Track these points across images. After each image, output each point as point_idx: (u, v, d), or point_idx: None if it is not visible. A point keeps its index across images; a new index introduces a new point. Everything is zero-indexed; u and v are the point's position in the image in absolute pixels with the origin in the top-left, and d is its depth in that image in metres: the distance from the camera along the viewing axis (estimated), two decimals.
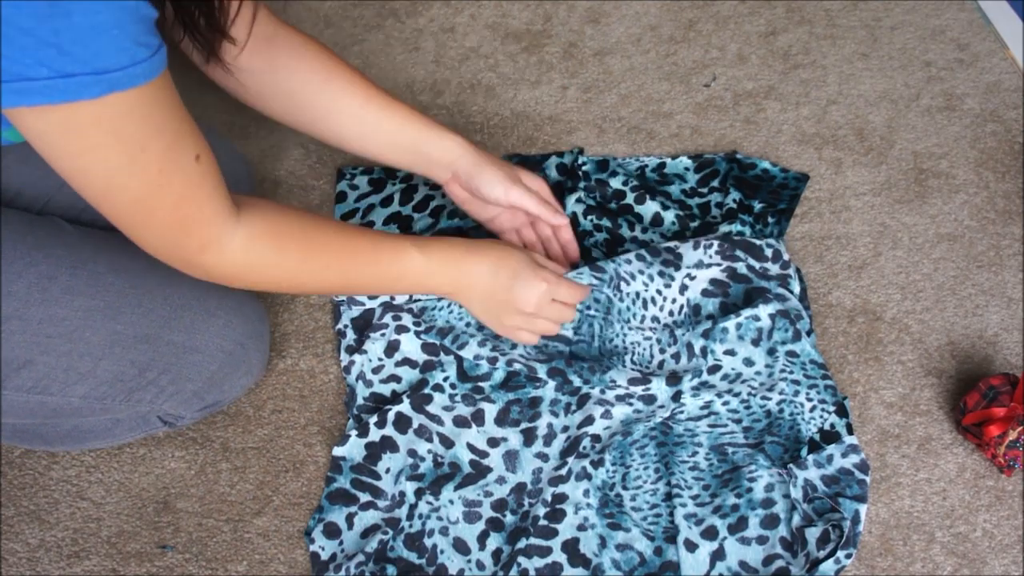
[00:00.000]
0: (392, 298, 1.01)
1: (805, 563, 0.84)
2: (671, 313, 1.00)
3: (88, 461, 0.95)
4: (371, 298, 1.01)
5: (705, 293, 1.00)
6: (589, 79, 1.28)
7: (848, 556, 0.84)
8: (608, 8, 1.36)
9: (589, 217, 1.09)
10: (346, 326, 1.02)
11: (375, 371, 0.98)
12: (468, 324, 0.99)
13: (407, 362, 0.99)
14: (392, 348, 0.99)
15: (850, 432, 0.93)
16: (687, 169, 1.16)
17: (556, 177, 1.13)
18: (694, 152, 1.19)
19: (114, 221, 0.71)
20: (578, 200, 1.10)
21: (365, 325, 1.01)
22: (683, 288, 1.00)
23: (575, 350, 0.98)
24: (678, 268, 1.01)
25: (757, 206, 1.11)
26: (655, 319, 1.00)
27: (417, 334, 0.99)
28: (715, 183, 1.14)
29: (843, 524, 0.84)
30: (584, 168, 1.14)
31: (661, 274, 1.01)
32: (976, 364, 1.01)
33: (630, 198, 1.11)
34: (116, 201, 0.68)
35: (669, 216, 1.09)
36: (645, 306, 1.00)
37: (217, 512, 0.92)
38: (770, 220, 1.10)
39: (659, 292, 1.00)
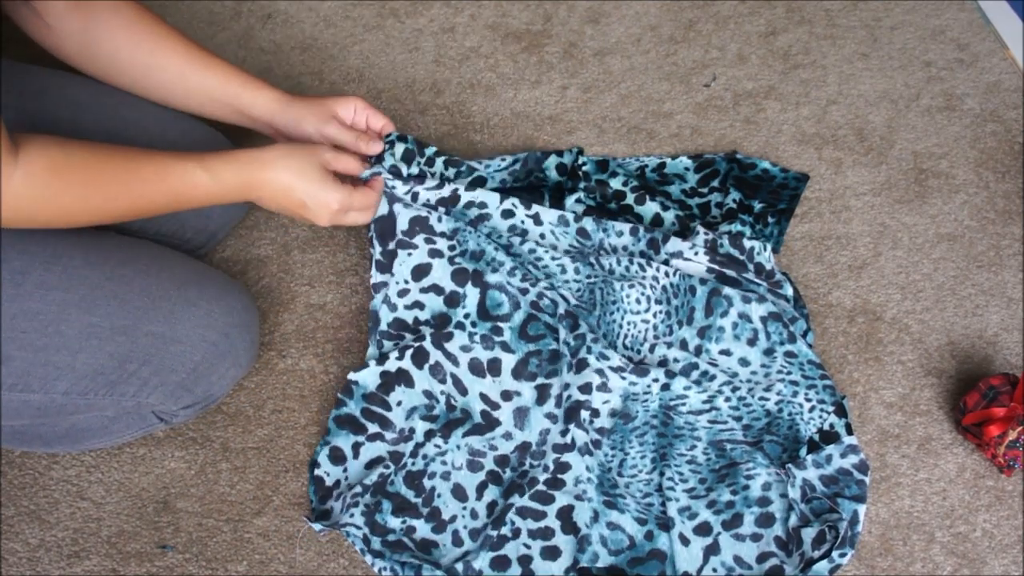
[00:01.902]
0: (424, 213, 0.99)
1: (800, 562, 0.84)
2: (667, 274, 1.00)
3: (88, 461, 0.95)
4: (391, 203, 1.00)
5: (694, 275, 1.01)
6: (589, 79, 1.28)
7: (843, 555, 0.84)
8: (608, 8, 1.36)
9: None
10: (371, 235, 1.00)
11: (400, 294, 0.99)
12: (497, 248, 1.00)
13: (434, 288, 0.99)
14: (421, 271, 0.99)
15: (849, 432, 0.93)
16: (687, 169, 1.16)
17: (556, 177, 1.13)
18: (694, 152, 1.19)
19: None
20: (578, 200, 1.10)
21: (387, 232, 1.00)
22: (668, 265, 1.02)
23: (575, 310, 0.98)
24: (659, 253, 1.03)
25: (757, 206, 1.11)
26: (655, 278, 1.00)
27: (451, 259, 0.99)
28: (715, 183, 1.14)
29: (839, 525, 0.84)
30: (584, 168, 1.14)
31: (643, 254, 1.03)
32: (976, 364, 1.01)
33: (630, 199, 1.11)
34: None
35: (669, 216, 1.09)
36: (643, 268, 1.01)
37: (217, 512, 0.92)
38: (770, 220, 1.10)
39: (651, 263, 1.01)
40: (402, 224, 0.99)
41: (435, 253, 1.00)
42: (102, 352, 0.83)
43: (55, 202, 0.75)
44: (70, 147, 0.77)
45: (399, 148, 0.98)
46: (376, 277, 1.00)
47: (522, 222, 1.04)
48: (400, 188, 0.97)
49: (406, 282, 1.00)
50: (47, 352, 0.80)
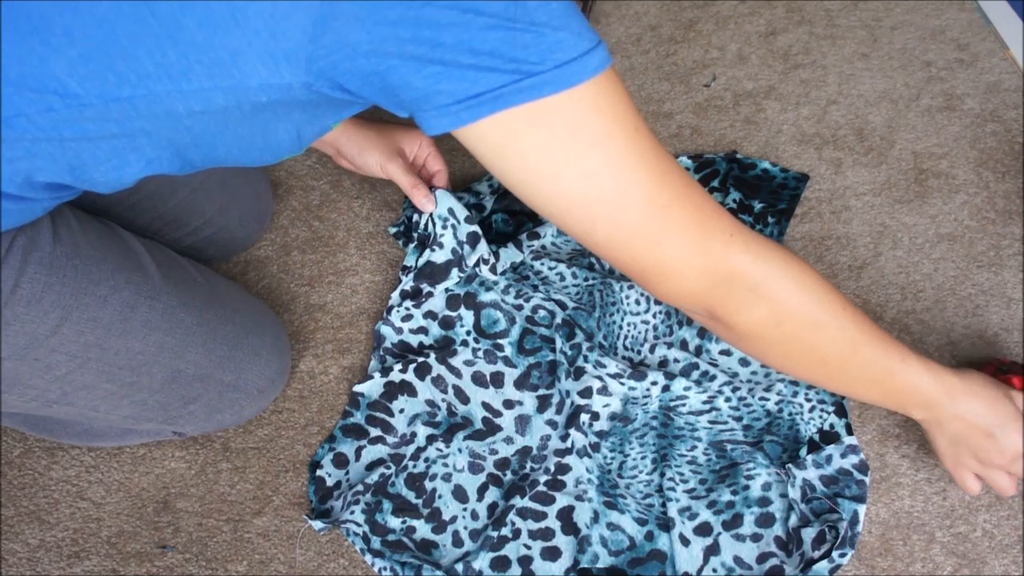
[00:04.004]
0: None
1: (800, 563, 0.84)
2: None
3: (88, 461, 0.95)
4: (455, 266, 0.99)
5: None
6: None
7: (843, 555, 0.84)
8: (608, 8, 1.36)
9: None
10: (411, 268, 1.01)
11: (405, 319, 1.00)
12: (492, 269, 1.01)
13: (430, 315, 1.00)
14: (421, 295, 1.00)
15: (849, 432, 0.93)
16: (687, 169, 1.16)
17: None
18: (694, 152, 1.19)
19: (630, 241, 0.63)
20: None
21: (429, 277, 1.00)
22: None
23: (573, 315, 0.98)
24: None
25: (757, 206, 1.11)
26: None
27: (446, 287, 1.00)
28: (715, 183, 1.14)
29: (839, 525, 0.84)
30: None
31: None
32: (976, 364, 1.01)
33: None
34: (631, 204, 0.60)
35: None
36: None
37: (217, 512, 0.92)
38: (770, 220, 1.10)
39: None
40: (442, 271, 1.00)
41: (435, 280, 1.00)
42: (176, 394, 0.84)
43: (787, 290, 0.69)
44: (805, 281, 0.71)
45: (443, 204, 0.97)
46: (395, 301, 1.01)
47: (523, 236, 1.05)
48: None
49: (408, 309, 1.00)
50: (132, 388, 0.80)
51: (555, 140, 0.57)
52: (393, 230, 1.10)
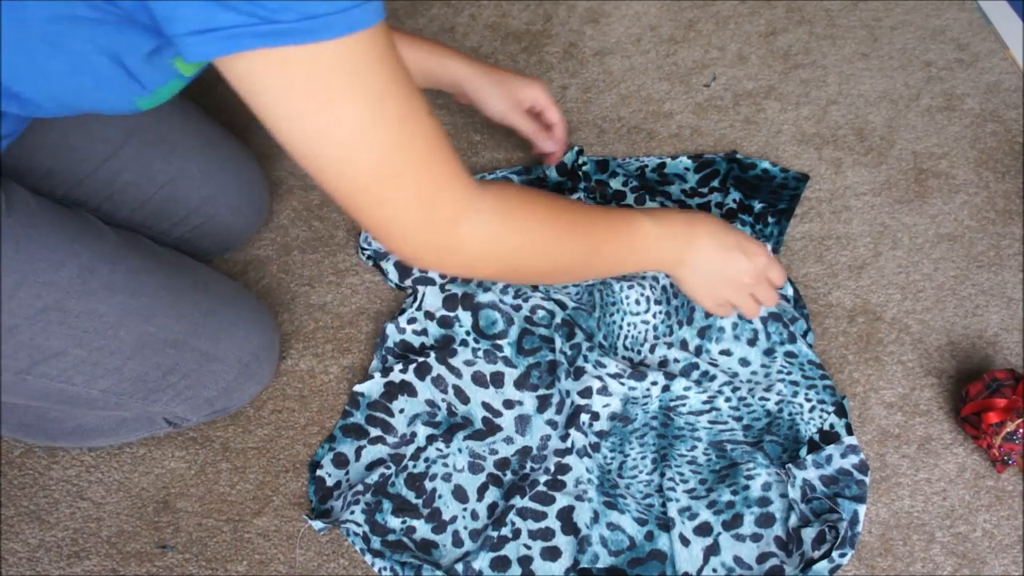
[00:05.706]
0: None
1: (800, 563, 0.84)
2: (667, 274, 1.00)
3: (88, 461, 0.95)
4: None
5: None
6: (589, 79, 1.28)
7: (843, 556, 0.84)
8: (608, 8, 1.36)
9: None
10: (377, 262, 1.03)
11: (409, 321, 1.01)
12: None
13: (427, 314, 1.01)
14: (415, 297, 1.02)
15: (849, 432, 0.93)
16: (687, 169, 1.16)
17: (556, 177, 1.13)
18: (694, 152, 1.19)
19: (353, 197, 0.63)
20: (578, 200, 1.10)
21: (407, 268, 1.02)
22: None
23: (573, 315, 0.98)
24: None
25: (757, 206, 1.11)
26: (655, 278, 1.00)
27: (441, 287, 1.00)
28: (715, 183, 1.14)
29: (839, 525, 0.84)
30: (584, 168, 1.14)
31: None
32: (976, 364, 1.01)
33: (630, 199, 1.11)
34: (360, 165, 0.61)
35: None
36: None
37: (217, 512, 0.92)
38: (770, 220, 1.10)
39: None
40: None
41: (426, 281, 1.01)
42: (150, 361, 0.84)
43: (520, 238, 0.72)
44: (524, 191, 0.74)
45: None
46: (407, 303, 1.02)
47: None
48: None
49: (413, 311, 1.01)
50: (102, 353, 0.81)
51: (293, 91, 0.57)
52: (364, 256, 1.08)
